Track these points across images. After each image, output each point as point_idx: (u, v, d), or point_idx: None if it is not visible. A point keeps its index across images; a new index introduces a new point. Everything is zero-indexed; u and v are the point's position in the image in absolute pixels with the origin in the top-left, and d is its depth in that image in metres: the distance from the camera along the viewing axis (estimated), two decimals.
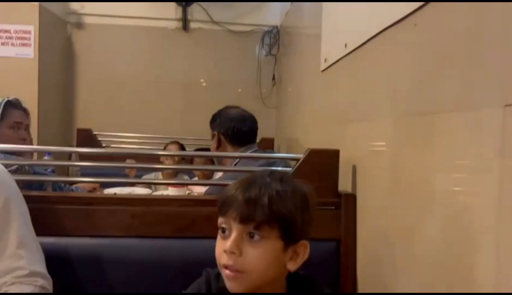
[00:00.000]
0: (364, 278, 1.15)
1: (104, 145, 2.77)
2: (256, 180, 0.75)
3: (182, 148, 2.47)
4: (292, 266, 0.75)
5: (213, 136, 1.77)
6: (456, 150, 0.71)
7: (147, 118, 3.10)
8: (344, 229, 1.18)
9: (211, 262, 0.79)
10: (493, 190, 0.60)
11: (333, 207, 1.20)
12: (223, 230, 0.74)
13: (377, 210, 1.07)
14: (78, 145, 2.63)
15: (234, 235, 0.72)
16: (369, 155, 1.14)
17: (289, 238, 0.73)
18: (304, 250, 0.76)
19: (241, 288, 0.72)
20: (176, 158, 2.30)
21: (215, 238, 0.78)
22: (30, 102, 1.91)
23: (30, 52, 2.60)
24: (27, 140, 1.53)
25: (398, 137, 0.95)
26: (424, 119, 0.82)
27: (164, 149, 2.44)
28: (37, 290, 0.89)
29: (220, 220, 0.74)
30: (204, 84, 3.27)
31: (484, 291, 0.62)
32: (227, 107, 1.80)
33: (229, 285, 0.73)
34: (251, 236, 0.71)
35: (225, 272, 0.72)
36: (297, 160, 1.21)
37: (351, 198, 1.19)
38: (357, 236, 1.18)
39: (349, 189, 1.24)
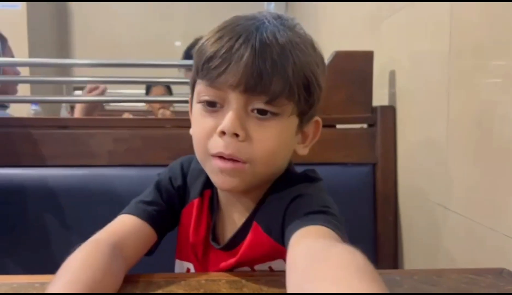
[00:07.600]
0: (407, 208, 0.91)
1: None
2: (253, 25, 0.47)
3: (169, 90, 2.07)
4: (303, 151, 0.54)
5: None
6: None
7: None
8: (381, 150, 0.94)
9: None
10: None
11: (366, 124, 0.96)
12: (211, 103, 0.48)
13: (424, 123, 0.82)
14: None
15: (234, 109, 0.46)
16: (414, 54, 0.89)
17: (306, 113, 0.50)
18: (317, 128, 0.55)
19: (239, 186, 0.49)
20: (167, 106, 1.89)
21: None
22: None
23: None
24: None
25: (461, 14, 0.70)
26: None
27: (147, 93, 2.05)
28: None
29: (203, 87, 0.48)
30: None
31: None
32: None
33: (222, 181, 0.49)
34: (260, 112, 0.47)
35: (217, 163, 0.48)
36: None
37: (390, 111, 0.95)
38: (397, 158, 0.94)
39: (385, 102, 0.99)
